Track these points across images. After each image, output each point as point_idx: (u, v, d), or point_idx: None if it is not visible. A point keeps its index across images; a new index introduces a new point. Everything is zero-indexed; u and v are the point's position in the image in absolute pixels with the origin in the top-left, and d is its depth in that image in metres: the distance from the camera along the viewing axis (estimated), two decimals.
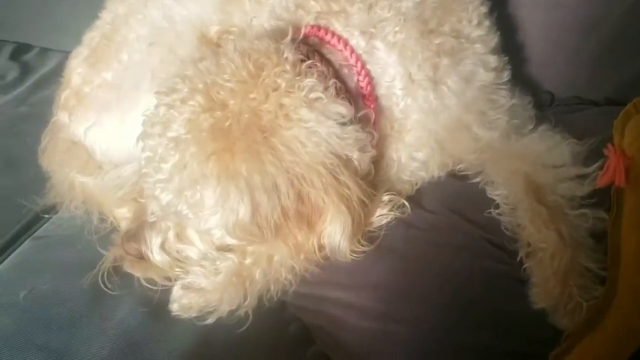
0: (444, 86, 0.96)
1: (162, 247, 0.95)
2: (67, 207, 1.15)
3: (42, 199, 1.18)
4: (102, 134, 1.16)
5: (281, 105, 0.82)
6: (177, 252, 0.96)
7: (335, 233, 0.86)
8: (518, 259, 0.90)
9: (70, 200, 1.15)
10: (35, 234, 1.17)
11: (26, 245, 1.14)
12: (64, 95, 1.18)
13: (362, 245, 0.90)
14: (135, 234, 0.97)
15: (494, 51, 1.01)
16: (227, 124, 0.81)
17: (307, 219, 0.86)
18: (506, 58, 1.03)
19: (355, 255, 0.89)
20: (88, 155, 1.19)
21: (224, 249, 0.96)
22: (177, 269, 0.96)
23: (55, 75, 1.35)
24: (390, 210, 0.94)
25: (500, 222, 0.94)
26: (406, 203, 0.96)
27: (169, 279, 0.98)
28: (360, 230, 0.90)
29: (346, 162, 0.85)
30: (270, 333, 0.92)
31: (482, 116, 0.99)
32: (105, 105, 1.13)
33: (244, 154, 0.80)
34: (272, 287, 0.93)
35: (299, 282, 0.93)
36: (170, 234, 0.95)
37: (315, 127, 0.82)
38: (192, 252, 0.96)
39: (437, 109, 0.96)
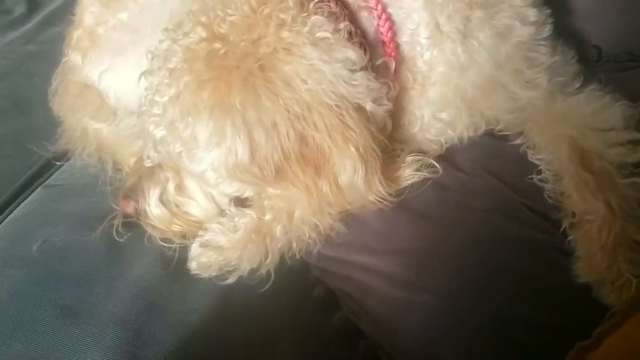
0: (475, 40, 0.89)
1: (161, 199, 0.91)
2: (79, 154, 1.10)
3: (53, 145, 1.13)
4: (117, 79, 1.09)
5: (281, 39, 0.76)
6: (177, 205, 0.92)
7: (347, 172, 0.80)
8: (562, 229, 0.84)
9: (83, 148, 1.10)
10: (47, 182, 1.11)
11: (37, 193, 1.09)
12: (76, 35, 1.10)
13: (388, 194, 0.84)
14: (133, 188, 0.92)
15: (534, 4, 0.92)
16: (223, 51, 0.76)
17: (313, 163, 0.80)
18: (548, 11, 0.95)
19: (379, 201, 0.84)
20: (101, 100, 1.12)
21: (240, 204, 0.92)
22: (176, 226, 0.92)
23: (66, 11, 1.26)
24: (417, 170, 0.89)
25: (543, 189, 0.88)
26: (435, 163, 0.90)
27: (185, 237, 0.94)
28: (377, 176, 0.82)
29: (357, 109, 0.78)
30: (294, 296, 0.88)
31: (519, 75, 0.92)
32: (121, 48, 1.05)
33: (240, 86, 0.75)
34: (294, 245, 0.89)
35: (324, 243, 0.88)
36: (170, 185, 0.91)
37: (318, 65, 0.76)
38: (192, 207, 0.92)
39: (465, 63, 0.89)
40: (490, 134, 0.96)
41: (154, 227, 0.93)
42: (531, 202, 0.87)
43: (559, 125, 0.92)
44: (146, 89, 0.83)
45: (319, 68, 0.76)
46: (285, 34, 0.76)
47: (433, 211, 0.86)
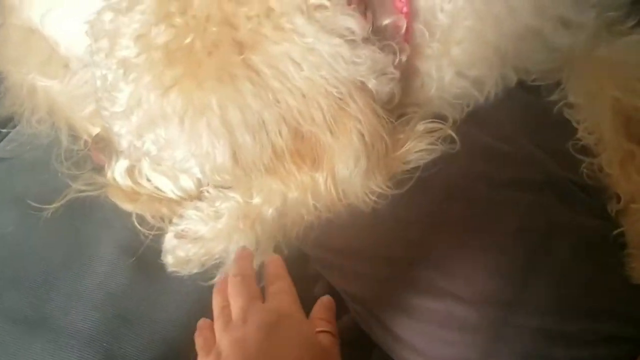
0: None
1: (129, 172, 0.78)
2: (28, 120, 0.91)
3: None
4: (65, 22, 0.89)
5: (269, 10, 0.60)
6: (148, 180, 0.79)
7: (344, 167, 0.66)
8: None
9: (32, 111, 0.91)
10: None
11: None
12: None
13: (388, 187, 0.69)
14: (106, 139, 0.79)
15: None
16: (188, 40, 0.59)
17: (311, 156, 0.66)
18: None
19: (374, 197, 0.69)
20: (51, 49, 0.93)
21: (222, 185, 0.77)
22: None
23: None
24: (431, 143, 0.72)
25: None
26: (454, 135, 0.72)
27: (162, 218, 0.79)
28: (382, 167, 0.69)
29: (360, 88, 0.63)
30: None
31: (560, 20, 0.74)
32: None
33: (214, 82, 0.59)
34: (289, 230, 0.74)
35: (324, 232, 0.73)
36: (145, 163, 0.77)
37: (314, 44, 0.60)
38: (165, 185, 0.79)
39: (500, 13, 0.70)
40: (523, 86, 0.79)
41: (117, 195, 0.80)
42: (578, 178, 0.71)
43: (600, 79, 0.75)
44: (95, 72, 0.66)
45: (315, 47, 0.59)
46: (273, 3, 0.59)
47: (459, 191, 0.70)
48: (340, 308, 0.72)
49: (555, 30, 0.73)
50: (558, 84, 0.79)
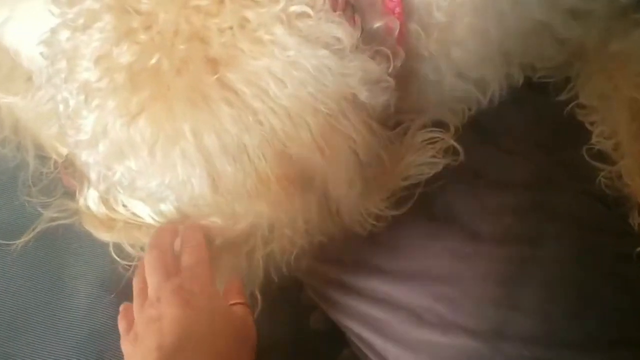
0: None
1: (103, 198, 0.72)
2: None
3: None
4: (24, 32, 0.82)
5: (243, 21, 0.53)
6: (124, 205, 0.73)
7: (337, 191, 0.61)
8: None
9: None
10: None
11: None
12: None
13: (386, 208, 0.64)
14: (76, 167, 0.72)
15: None
16: (154, 60, 0.53)
17: (300, 180, 0.60)
18: None
19: (371, 220, 0.64)
20: (12, 60, 0.86)
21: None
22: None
23: None
24: (433, 156, 0.66)
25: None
26: (457, 146, 0.66)
27: (142, 248, 0.73)
28: (379, 186, 0.64)
29: (352, 102, 0.58)
30: (284, 326, 0.70)
31: (569, 10, 0.67)
32: None
33: (185, 105, 0.53)
34: (278, 257, 0.68)
35: (318, 258, 0.68)
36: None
37: (297, 57, 0.53)
38: (139, 209, 0.72)
39: (503, 8, 0.64)
40: (529, 85, 0.72)
41: (92, 223, 0.73)
42: (596, 188, 0.65)
43: (614, 76, 0.68)
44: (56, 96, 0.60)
45: (298, 61, 0.52)
46: (249, 13, 0.52)
47: (463, 214, 0.65)
48: (340, 341, 0.68)
49: (564, 21, 0.67)
50: (567, 81, 0.72)
